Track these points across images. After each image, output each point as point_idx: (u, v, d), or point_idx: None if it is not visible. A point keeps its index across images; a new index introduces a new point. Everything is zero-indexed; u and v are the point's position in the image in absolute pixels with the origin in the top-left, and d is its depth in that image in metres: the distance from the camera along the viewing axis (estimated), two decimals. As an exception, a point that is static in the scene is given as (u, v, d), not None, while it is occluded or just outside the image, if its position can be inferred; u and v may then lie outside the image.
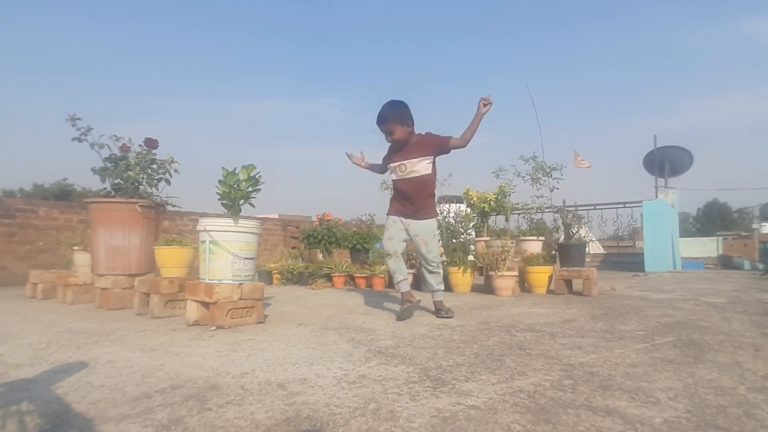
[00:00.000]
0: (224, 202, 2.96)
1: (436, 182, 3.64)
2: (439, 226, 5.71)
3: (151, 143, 4.02)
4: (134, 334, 2.66)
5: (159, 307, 3.26)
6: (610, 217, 10.28)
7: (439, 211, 6.54)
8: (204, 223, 2.93)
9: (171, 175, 4.12)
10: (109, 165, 3.94)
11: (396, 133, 3.28)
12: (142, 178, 4.02)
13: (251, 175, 2.98)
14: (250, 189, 3.00)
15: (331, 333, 2.65)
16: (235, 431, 1.28)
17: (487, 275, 4.77)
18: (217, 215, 3.06)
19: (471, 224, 5.92)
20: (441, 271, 3.49)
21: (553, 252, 5.08)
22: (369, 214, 7.84)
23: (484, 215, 6.00)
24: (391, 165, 3.43)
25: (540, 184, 5.23)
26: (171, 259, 3.42)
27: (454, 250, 5.10)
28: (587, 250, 5.53)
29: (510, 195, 5.70)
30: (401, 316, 3.13)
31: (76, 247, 4.46)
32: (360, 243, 6.47)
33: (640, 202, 9.58)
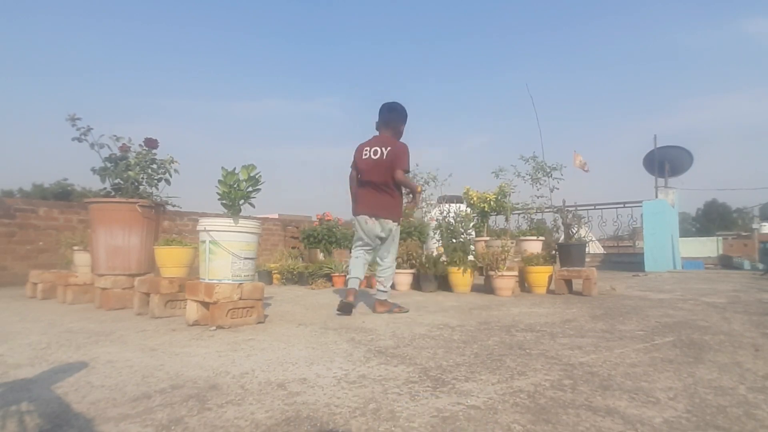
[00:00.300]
0: (224, 202, 2.96)
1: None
2: (439, 226, 5.72)
3: (151, 143, 4.02)
4: (134, 334, 2.66)
5: (159, 307, 3.26)
6: (610, 217, 10.27)
7: (439, 211, 6.57)
8: (204, 223, 2.93)
9: (171, 175, 4.12)
10: (109, 165, 3.94)
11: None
12: (142, 178, 4.02)
13: (251, 175, 2.98)
14: (250, 189, 3.00)
15: (331, 333, 2.65)
16: (235, 431, 1.28)
17: (487, 275, 4.77)
18: (217, 215, 3.06)
19: (471, 224, 5.92)
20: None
21: (553, 252, 5.08)
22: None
23: (484, 215, 6.01)
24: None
25: (540, 184, 5.24)
26: (171, 259, 3.42)
27: (454, 250, 5.10)
28: (587, 250, 5.53)
29: (510, 195, 5.71)
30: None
31: (76, 247, 4.46)
32: (360, 243, 6.45)
33: (640, 202, 9.58)
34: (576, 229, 5.04)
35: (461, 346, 2.29)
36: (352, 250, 3.69)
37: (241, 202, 2.98)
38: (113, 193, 4.00)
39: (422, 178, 7.13)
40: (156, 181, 4.09)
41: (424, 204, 7.30)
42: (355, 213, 3.61)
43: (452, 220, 5.68)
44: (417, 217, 7.10)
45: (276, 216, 10.93)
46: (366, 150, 3.54)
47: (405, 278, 5.28)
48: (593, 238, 11.06)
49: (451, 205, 6.83)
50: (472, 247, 5.48)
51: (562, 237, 5.09)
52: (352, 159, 3.67)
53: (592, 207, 10.17)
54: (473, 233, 5.92)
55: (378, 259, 3.65)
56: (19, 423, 1.36)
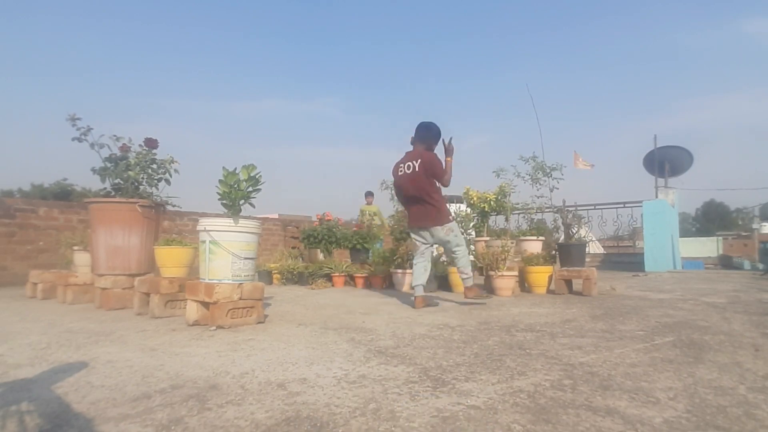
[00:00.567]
0: (224, 202, 2.96)
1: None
2: None
3: (151, 143, 4.02)
4: (134, 334, 2.66)
5: (159, 307, 3.26)
6: (610, 217, 10.27)
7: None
8: (204, 223, 2.93)
9: (171, 175, 4.12)
10: (109, 165, 3.94)
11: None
12: (142, 178, 4.02)
13: (251, 175, 2.98)
14: (251, 189, 3.00)
15: (331, 333, 2.65)
16: (235, 431, 1.28)
17: (487, 275, 4.77)
18: (218, 215, 3.06)
19: (471, 224, 5.92)
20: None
21: (553, 252, 5.08)
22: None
23: (484, 215, 6.00)
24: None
25: (540, 184, 5.23)
26: (171, 259, 3.42)
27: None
28: (587, 250, 5.53)
29: (510, 195, 5.71)
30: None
31: (76, 247, 4.46)
32: (360, 243, 6.46)
33: (640, 202, 9.58)
34: (576, 229, 5.04)
35: (461, 346, 2.29)
36: (414, 259, 4.00)
37: (242, 202, 2.98)
38: (113, 193, 4.00)
39: None
40: (156, 181, 4.08)
41: None
42: (408, 227, 4.10)
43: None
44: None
45: (276, 216, 10.93)
46: (401, 167, 3.87)
47: (405, 278, 5.28)
48: (593, 238, 11.06)
49: (451, 205, 6.82)
50: (472, 247, 5.48)
51: (562, 237, 5.08)
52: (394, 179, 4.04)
53: (592, 207, 10.17)
54: (473, 233, 5.92)
55: (450, 253, 3.93)
56: (19, 423, 1.35)
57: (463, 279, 3.86)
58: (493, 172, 5.60)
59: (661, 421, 1.33)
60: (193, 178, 5.97)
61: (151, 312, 3.29)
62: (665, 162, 11.28)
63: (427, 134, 3.90)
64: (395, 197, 4.23)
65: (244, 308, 2.90)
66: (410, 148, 3.93)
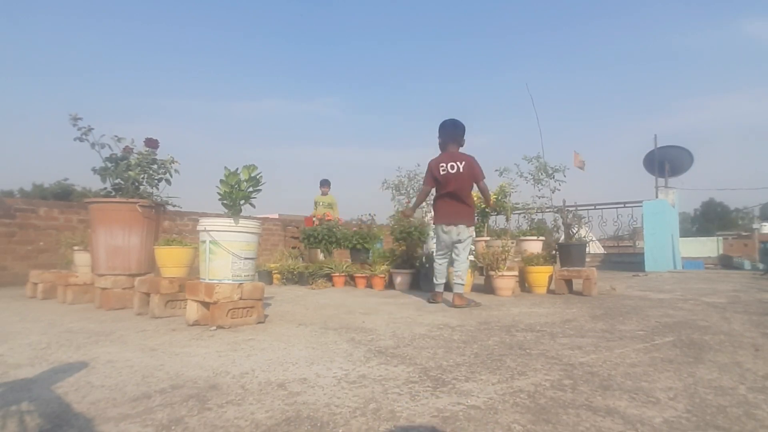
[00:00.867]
0: (225, 202, 2.96)
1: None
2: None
3: (151, 143, 4.02)
4: (134, 334, 2.66)
5: (159, 307, 3.26)
6: (611, 217, 10.27)
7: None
8: (204, 223, 2.93)
9: (171, 175, 4.12)
10: (109, 165, 3.94)
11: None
12: (143, 178, 4.02)
13: (252, 175, 2.98)
14: (251, 189, 3.00)
15: (331, 333, 2.65)
16: (235, 431, 1.28)
17: (488, 275, 4.77)
18: (218, 215, 3.06)
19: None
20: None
21: (553, 252, 5.08)
22: (369, 214, 7.83)
23: (484, 215, 6.00)
24: None
25: (542, 184, 5.23)
26: (171, 259, 3.42)
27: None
28: (587, 250, 5.53)
29: (510, 195, 5.70)
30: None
31: (76, 247, 4.46)
32: (360, 243, 6.46)
33: (641, 202, 9.58)
34: (576, 229, 5.04)
35: (461, 346, 2.29)
36: (435, 258, 4.17)
37: (242, 202, 2.98)
38: (113, 193, 4.00)
39: (423, 178, 7.11)
40: (156, 181, 4.08)
41: (424, 204, 7.31)
42: (435, 222, 4.10)
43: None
44: (417, 217, 7.10)
45: (276, 216, 10.94)
46: (443, 165, 4.00)
47: (405, 278, 5.29)
48: (593, 238, 11.04)
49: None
50: (473, 247, 5.47)
51: (563, 237, 5.08)
52: (427, 175, 4.16)
53: (593, 207, 10.17)
54: (473, 233, 5.91)
55: (454, 255, 4.02)
56: (20, 423, 1.36)
57: (455, 283, 3.87)
58: (496, 170, 5.59)
59: (661, 421, 1.33)
60: (194, 178, 5.98)
61: (151, 312, 3.29)
62: (665, 162, 11.28)
63: (455, 132, 4.10)
64: (420, 189, 4.40)
65: (244, 308, 2.90)
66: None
